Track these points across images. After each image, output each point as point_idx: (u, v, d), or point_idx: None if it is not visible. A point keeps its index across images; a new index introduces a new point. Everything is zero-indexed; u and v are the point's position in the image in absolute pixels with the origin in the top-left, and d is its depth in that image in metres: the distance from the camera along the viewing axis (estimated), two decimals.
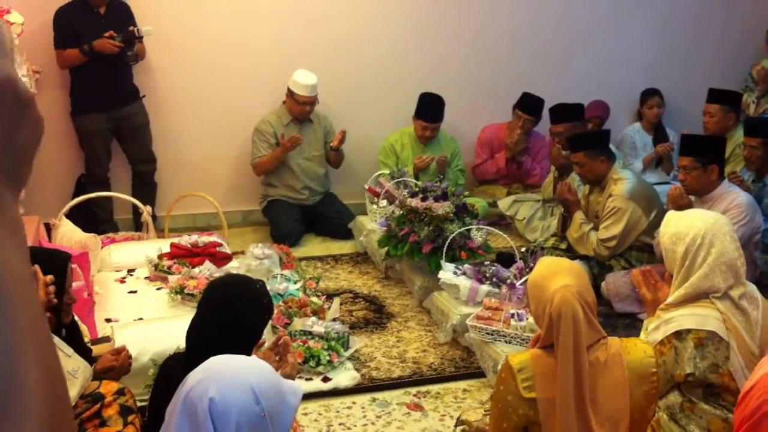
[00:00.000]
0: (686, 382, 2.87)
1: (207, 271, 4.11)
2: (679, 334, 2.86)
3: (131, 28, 5.04)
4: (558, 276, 2.47)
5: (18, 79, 0.63)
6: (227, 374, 1.76)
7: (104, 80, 5.12)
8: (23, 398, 0.57)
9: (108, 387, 2.77)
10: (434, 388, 3.71)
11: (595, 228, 4.67)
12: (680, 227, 2.91)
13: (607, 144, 4.77)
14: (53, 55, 5.10)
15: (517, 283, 3.96)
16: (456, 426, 3.07)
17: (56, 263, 2.76)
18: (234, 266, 4.33)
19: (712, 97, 5.42)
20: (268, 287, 4.01)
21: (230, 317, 2.51)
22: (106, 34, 4.96)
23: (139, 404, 2.93)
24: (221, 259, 4.37)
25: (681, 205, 4.05)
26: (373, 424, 3.44)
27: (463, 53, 6.22)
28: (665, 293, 3.00)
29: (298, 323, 3.86)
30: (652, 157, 6.28)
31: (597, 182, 4.73)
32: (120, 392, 2.77)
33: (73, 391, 2.64)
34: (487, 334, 3.71)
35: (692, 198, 4.30)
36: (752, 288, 2.97)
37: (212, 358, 1.83)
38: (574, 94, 5.86)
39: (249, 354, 2.43)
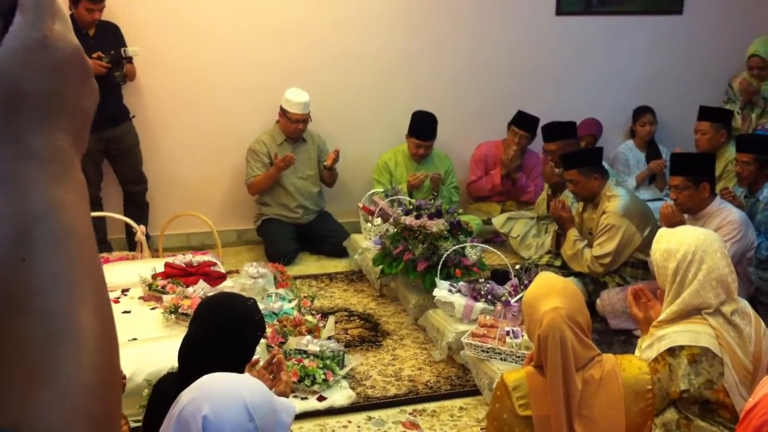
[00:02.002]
0: (682, 398, 2.87)
1: (201, 290, 4.10)
2: (672, 351, 2.86)
3: (118, 48, 5.06)
4: (550, 297, 2.48)
5: (83, 50, 0.68)
6: (221, 392, 1.76)
7: None
8: (78, 334, 0.62)
9: None
10: (430, 406, 3.70)
11: (589, 245, 4.68)
12: (671, 244, 2.93)
13: (600, 161, 4.80)
14: None
15: (512, 301, 3.96)
16: None
17: None
18: (228, 285, 4.32)
19: (703, 115, 5.45)
20: (263, 306, 4.04)
21: (222, 335, 2.50)
22: (94, 56, 4.98)
23: (133, 425, 2.92)
24: (215, 279, 4.36)
25: (674, 223, 4.06)
26: None
27: (456, 71, 6.25)
28: (658, 311, 3.01)
29: (293, 342, 3.85)
30: (646, 174, 6.31)
31: (590, 199, 4.74)
32: None
33: None
34: (483, 351, 3.71)
35: (685, 216, 4.32)
36: (744, 304, 2.98)
37: (206, 376, 1.83)
38: (567, 112, 5.89)
39: (242, 372, 2.43)
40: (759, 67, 6.18)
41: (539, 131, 5.79)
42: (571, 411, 2.44)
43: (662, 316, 2.94)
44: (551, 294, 2.48)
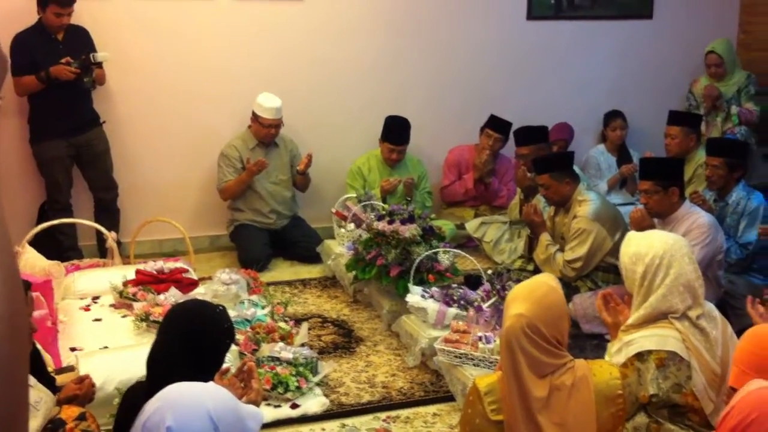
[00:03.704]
0: (651, 403, 2.89)
1: (172, 297, 4.07)
2: (640, 356, 2.89)
3: (87, 54, 5.01)
4: (522, 302, 2.49)
5: None
6: (184, 402, 1.75)
7: (63, 107, 5.08)
8: None
9: (69, 412, 2.73)
10: (404, 412, 3.69)
11: (561, 249, 4.71)
12: (640, 248, 2.96)
13: (572, 166, 4.83)
14: (11, 83, 5.05)
15: (484, 306, 3.96)
16: None
17: None
18: (200, 292, 4.29)
19: (672, 120, 5.50)
20: (236, 313, 4.01)
21: (191, 343, 2.48)
22: (62, 60, 4.93)
23: None
24: (187, 285, 4.33)
25: (643, 227, 4.09)
26: None
27: (429, 76, 6.27)
28: (626, 316, 3.04)
29: (265, 349, 3.83)
30: (617, 179, 6.36)
31: (562, 204, 4.77)
32: (81, 417, 2.72)
33: (36, 422, 2.60)
34: (455, 357, 3.71)
35: (655, 220, 4.35)
36: (710, 307, 3.02)
37: (169, 386, 1.81)
38: (539, 116, 5.92)
39: (211, 380, 2.41)
40: (716, 64, 6.26)
41: (516, 127, 5.84)
42: (532, 415, 2.45)
43: (630, 320, 2.98)
44: (526, 299, 2.50)
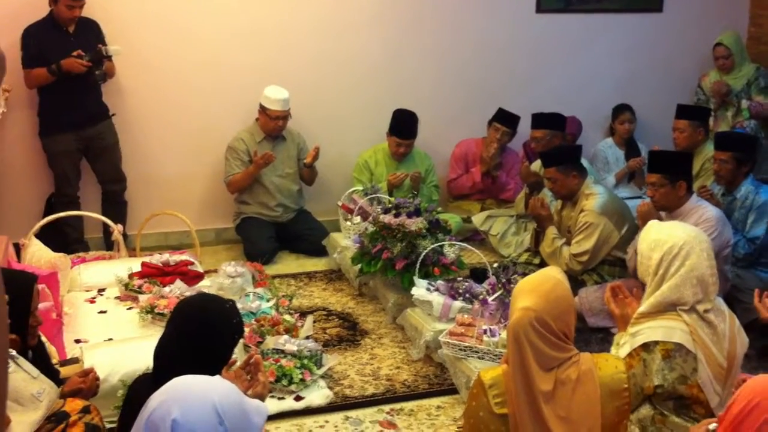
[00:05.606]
0: (656, 394, 2.89)
1: (178, 290, 4.08)
2: (646, 346, 2.89)
3: (99, 47, 5.01)
4: (529, 295, 2.48)
5: None
6: (190, 395, 1.74)
7: (73, 100, 5.08)
8: None
9: (73, 405, 2.73)
10: (408, 405, 3.69)
11: (568, 243, 4.69)
12: (661, 235, 2.96)
13: (579, 159, 4.80)
14: (21, 75, 5.06)
15: (490, 299, 3.95)
16: None
17: (21, 285, 2.72)
18: (205, 285, 4.30)
19: (681, 113, 5.47)
20: (241, 305, 4.01)
21: (199, 337, 2.48)
22: (74, 53, 4.93)
23: (108, 426, 2.89)
24: (192, 278, 4.34)
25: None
26: None
27: (437, 70, 6.25)
28: (634, 308, 3.03)
29: (270, 341, 3.83)
30: (625, 172, 6.33)
31: (569, 197, 4.75)
32: (85, 410, 2.73)
33: (39, 414, 2.60)
34: (460, 350, 3.71)
35: (662, 214, 4.33)
36: (719, 301, 3.01)
37: (175, 379, 1.81)
38: (547, 110, 5.87)
39: (218, 374, 2.40)
40: (723, 56, 6.26)
41: (521, 129, 5.82)
42: (537, 409, 2.44)
43: (642, 308, 2.97)
44: (532, 292, 2.49)
